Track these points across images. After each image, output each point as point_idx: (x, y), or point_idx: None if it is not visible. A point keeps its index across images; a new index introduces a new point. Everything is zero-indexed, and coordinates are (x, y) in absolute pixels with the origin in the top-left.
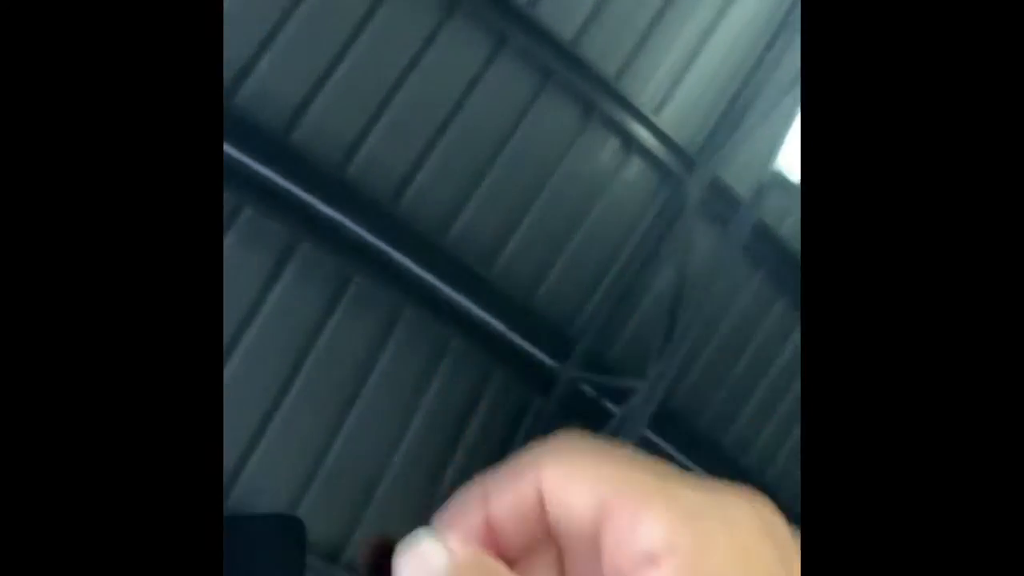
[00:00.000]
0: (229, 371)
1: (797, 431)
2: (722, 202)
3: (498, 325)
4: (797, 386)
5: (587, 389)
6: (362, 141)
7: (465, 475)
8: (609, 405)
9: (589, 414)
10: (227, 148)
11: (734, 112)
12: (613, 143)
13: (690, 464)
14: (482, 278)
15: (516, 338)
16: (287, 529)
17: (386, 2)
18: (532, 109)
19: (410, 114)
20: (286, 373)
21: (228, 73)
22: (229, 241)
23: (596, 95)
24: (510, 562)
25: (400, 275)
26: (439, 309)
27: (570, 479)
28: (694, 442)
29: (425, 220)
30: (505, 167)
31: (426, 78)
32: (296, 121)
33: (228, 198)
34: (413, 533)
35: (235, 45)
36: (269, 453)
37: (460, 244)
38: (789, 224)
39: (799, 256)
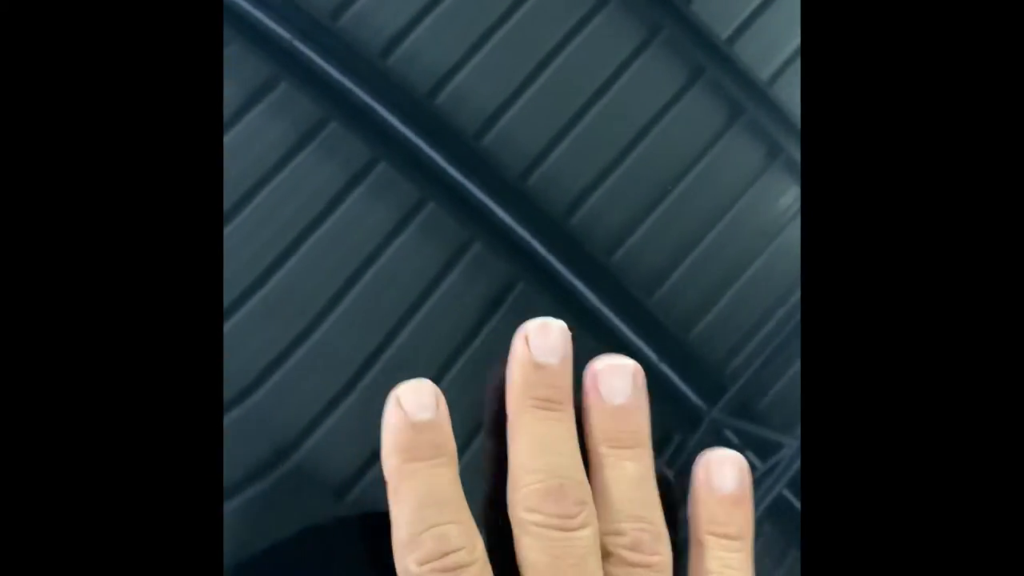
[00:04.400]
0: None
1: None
2: None
3: (649, 353)
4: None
5: (732, 436)
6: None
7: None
8: (753, 458)
9: None
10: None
11: None
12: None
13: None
14: (641, 304)
15: (666, 369)
16: None
17: None
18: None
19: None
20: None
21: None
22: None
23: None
24: None
25: (565, 289)
26: (594, 326)
27: None
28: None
29: (594, 239)
30: (681, 196)
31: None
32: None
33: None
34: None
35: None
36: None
37: (624, 267)
38: None
39: None
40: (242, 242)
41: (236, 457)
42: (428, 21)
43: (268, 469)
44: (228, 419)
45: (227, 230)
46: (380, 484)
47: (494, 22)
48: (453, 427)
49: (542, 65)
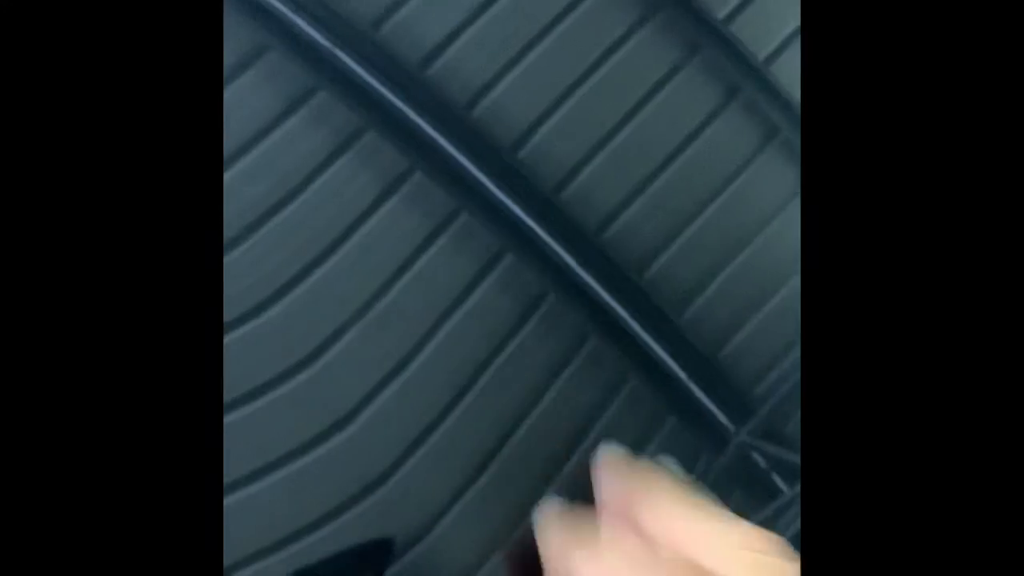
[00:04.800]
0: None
1: None
2: None
3: (678, 372)
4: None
5: (759, 459)
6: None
7: None
8: (779, 482)
9: (756, 484)
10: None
11: None
12: None
13: None
14: (671, 322)
15: (694, 389)
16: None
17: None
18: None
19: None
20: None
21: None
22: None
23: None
24: None
25: (596, 304)
26: (623, 341)
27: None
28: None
29: (626, 255)
30: (714, 215)
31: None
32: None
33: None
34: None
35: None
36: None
37: (655, 284)
38: None
39: None
40: (275, 246)
41: (242, 455)
42: (468, 35)
43: (274, 470)
44: (239, 416)
45: (260, 234)
46: (398, 491)
47: (533, 37)
48: (481, 436)
49: (579, 81)
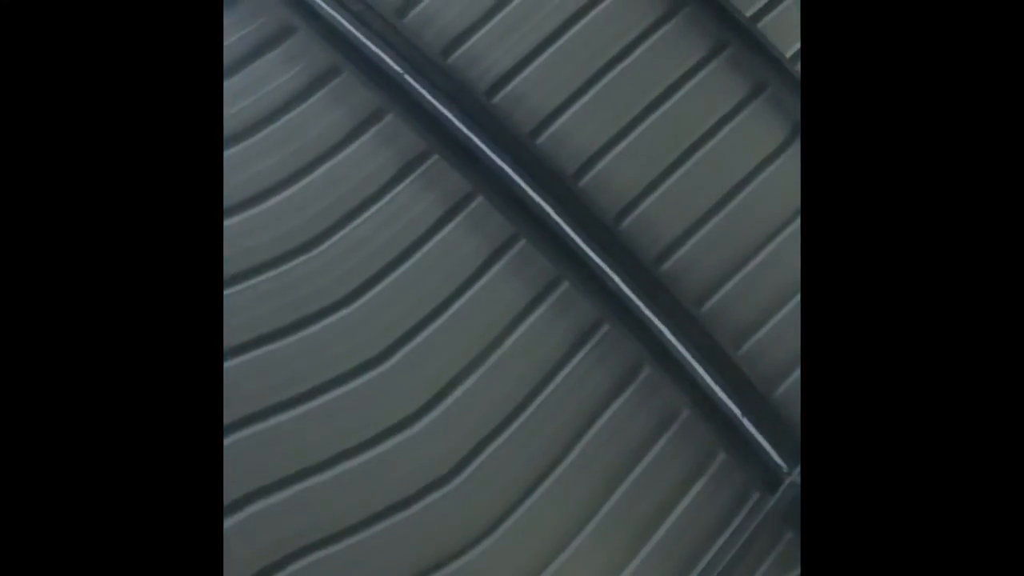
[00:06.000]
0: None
1: None
2: None
3: (733, 408)
4: None
5: None
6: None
7: (670, 548)
8: None
9: None
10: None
11: None
12: None
13: None
14: (728, 357)
15: (749, 425)
16: None
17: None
18: None
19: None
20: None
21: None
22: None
23: None
24: None
25: (652, 335)
26: (678, 373)
27: None
28: None
29: (684, 287)
30: (776, 251)
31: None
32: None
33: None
34: None
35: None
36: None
37: (713, 317)
38: None
39: None
40: (338, 259)
41: (250, 470)
42: (536, 64)
43: (286, 486)
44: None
45: (318, 250)
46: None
47: (601, 68)
48: (532, 456)
49: (646, 112)
